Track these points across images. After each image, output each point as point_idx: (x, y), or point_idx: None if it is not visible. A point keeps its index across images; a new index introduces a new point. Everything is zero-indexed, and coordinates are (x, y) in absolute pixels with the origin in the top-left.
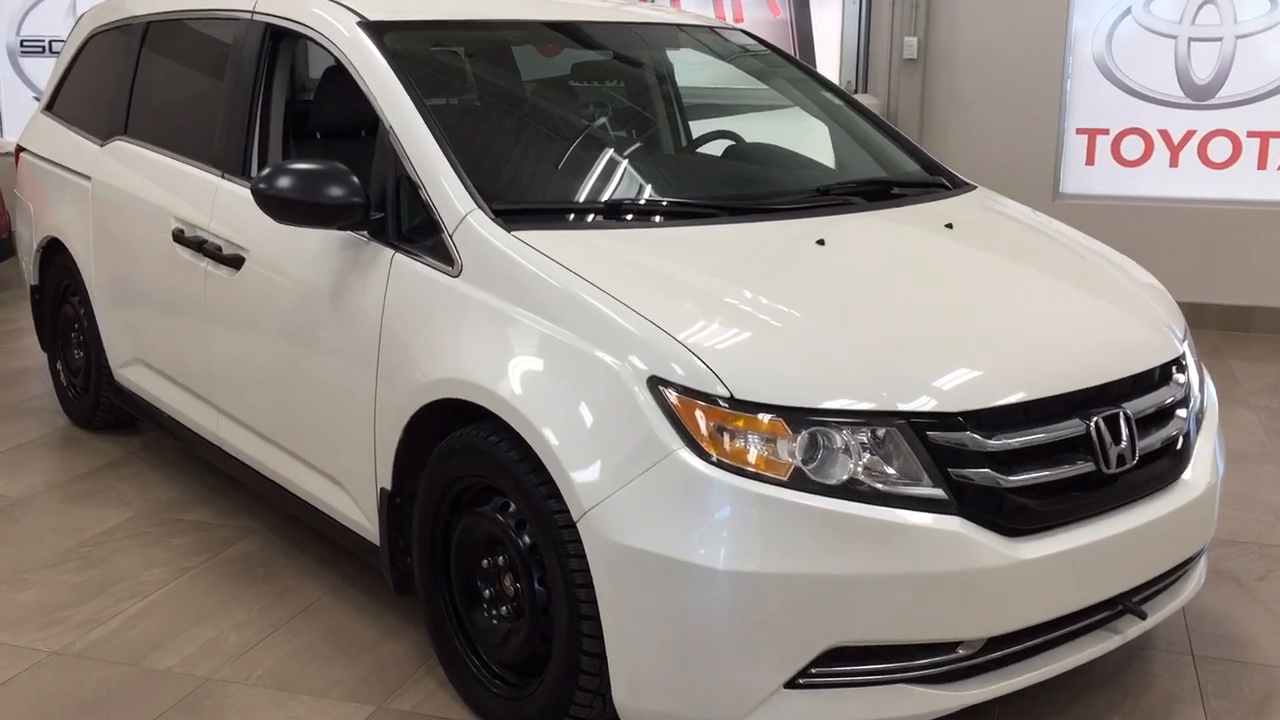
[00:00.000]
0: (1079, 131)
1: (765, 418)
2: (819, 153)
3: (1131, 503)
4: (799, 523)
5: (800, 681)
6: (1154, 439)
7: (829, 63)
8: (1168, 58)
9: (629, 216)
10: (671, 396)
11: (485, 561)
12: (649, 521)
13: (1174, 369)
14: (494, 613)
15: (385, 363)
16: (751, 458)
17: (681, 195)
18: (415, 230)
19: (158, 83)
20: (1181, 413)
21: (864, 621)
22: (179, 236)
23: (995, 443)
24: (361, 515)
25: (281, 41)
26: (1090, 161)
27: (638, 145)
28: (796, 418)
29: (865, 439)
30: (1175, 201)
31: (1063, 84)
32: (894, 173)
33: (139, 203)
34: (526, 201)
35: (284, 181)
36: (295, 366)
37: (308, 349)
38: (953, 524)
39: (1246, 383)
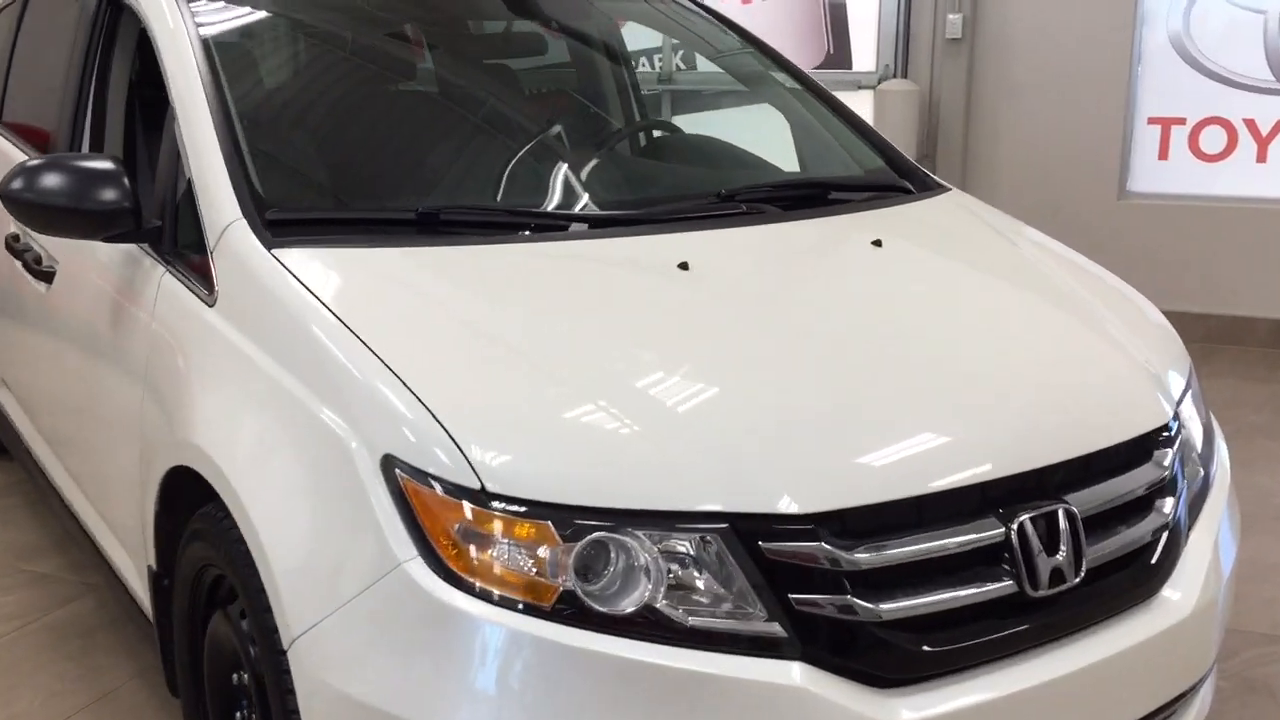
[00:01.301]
0: (1151, 121)
1: (529, 520)
2: (775, 149)
3: (1078, 633)
4: (567, 672)
5: None
6: (1115, 543)
7: (865, 44)
8: (1256, 36)
9: (450, 230)
10: (410, 485)
11: (234, 676)
12: (366, 661)
13: (1157, 443)
14: None
15: (146, 411)
16: (509, 576)
17: (536, 201)
18: (189, 245)
19: (20, 64)
20: (1166, 503)
21: None
22: (10, 243)
23: (863, 556)
24: (142, 592)
25: (123, 12)
26: (1164, 155)
27: (507, 139)
28: (571, 520)
29: (672, 552)
30: (1262, 202)
31: (1132, 67)
32: (847, 172)
33: None
34: (315, 209)
35: (39, 181)
36: (85, 403)
37: (91, 383)
38: (791, 674)
39: None
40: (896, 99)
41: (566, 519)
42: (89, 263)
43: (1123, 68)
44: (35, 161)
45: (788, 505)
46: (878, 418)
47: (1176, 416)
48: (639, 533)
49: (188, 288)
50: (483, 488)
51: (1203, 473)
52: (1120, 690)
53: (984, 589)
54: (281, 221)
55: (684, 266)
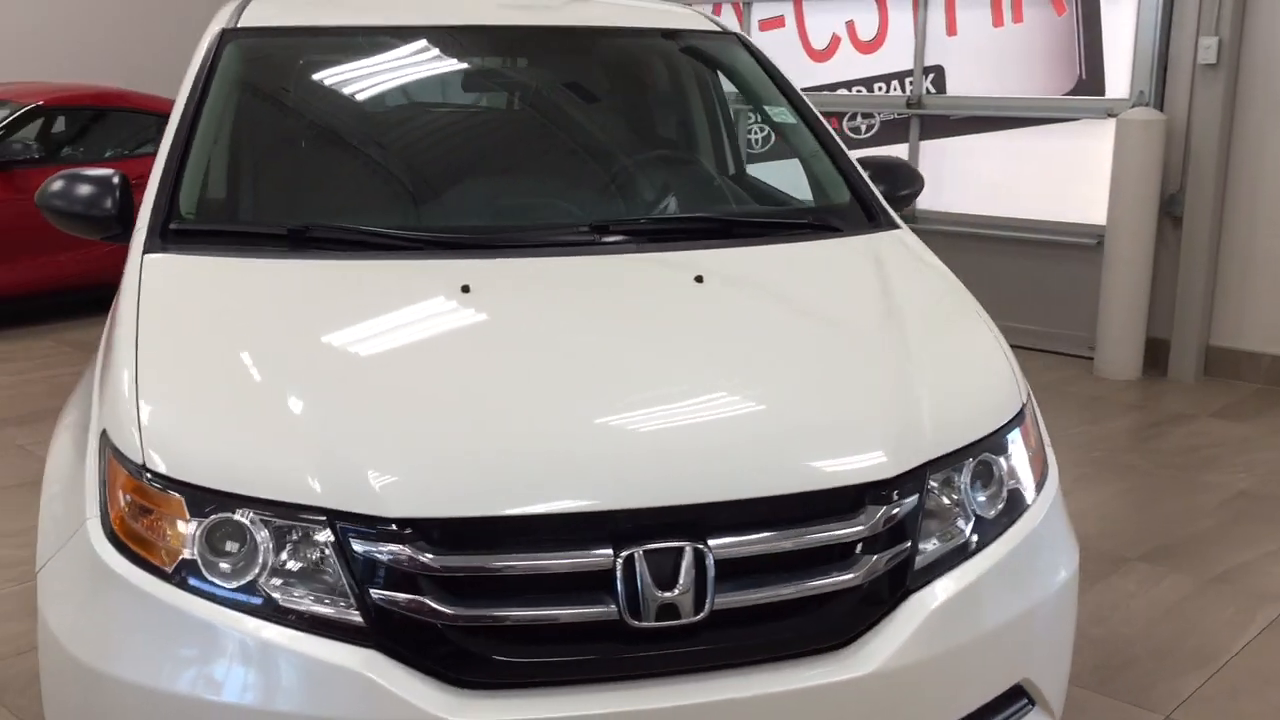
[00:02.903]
0: None
1: (173, 496)
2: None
3: (715, 668)
4: (167, 626)
5: None
6: (771, 591)
7: (1119, 69)
8: None
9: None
10: (111, 458)
11: None
12: (59, 596)
13: (863, 499)
14: None
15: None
16: (147, 541)
17: (410, 221)
18: None
19: None
20: (864, 560)
21: None
22: None
23: (448, 561)
24: None
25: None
26: None
27: (411, 161)
28: (199, 499)
29: (278, 539)
30: None
31: None
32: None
33: None
34: (209, 223)
35: (53, 191)
36: None
37: None
38: (356, 659)
39: None
40: (1138, 129)
41: (197, 498)
42: None
43: None
44: (58, 174)
45: (380, 509)
46: (518, 440)
47: (914, 477)
48: (255, 517)
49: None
50: (143, 464)
51: (970, 539)
52: None
53: (574, 611)
54: (182, 231)
55: (466, 289)
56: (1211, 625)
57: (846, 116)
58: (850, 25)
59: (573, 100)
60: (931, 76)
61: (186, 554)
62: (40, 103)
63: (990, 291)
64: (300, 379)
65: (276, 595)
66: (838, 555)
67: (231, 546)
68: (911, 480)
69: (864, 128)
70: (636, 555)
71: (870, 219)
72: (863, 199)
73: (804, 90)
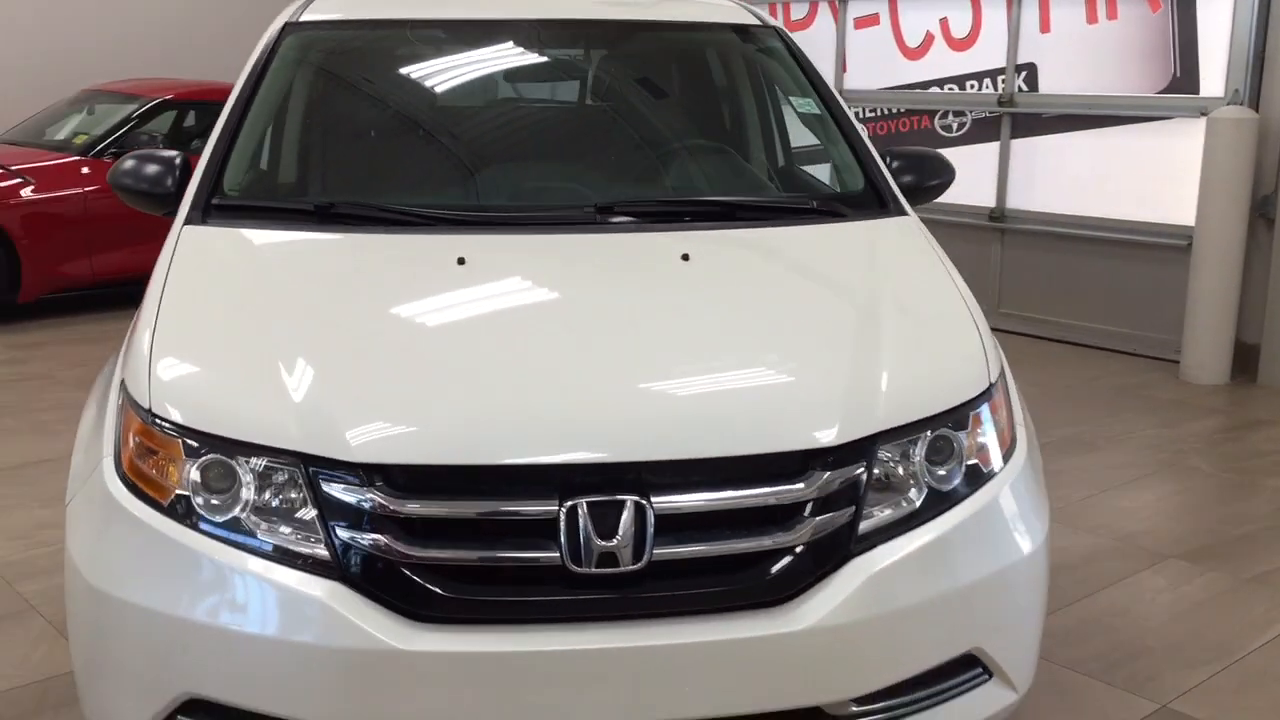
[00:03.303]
0: None
1: (173, 438)
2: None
3: (655, 616)
4: (160, 553)
5: None
6: (707, 546)
7: (1214, 67)
8: None
9: (340, 220)
10: (126, 403)
11: None
12: (78, 527)
13: (805, 466)
14: None
15: None
16: (151, 478)
17: (429, 200)
18: None
19: None
20: (814, 521)
21: (216, 678)
22: None
23: (400, 507)
24: None
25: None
26: None
27: (452, 144)
28: (197, 444)
29: (261, 479)
30: None
31: None
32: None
33: None
34: (250, 199)
35: (124, 170)
36: None
37: None
38: (321, 589)
39: None
40: (1230, 128)
41: (192, 441)
42: None
43: None
44: (129, 155)
45: (347, 455)
46: (477, 396)
47: (861, 447)
48: (241, 460)
49: None
50: (150, 409)
51: (920, 509)
52: (707, 677)
53: (521, 555)
54: (222, 206)
55: (461, 261)
56: (1236, 623)
57: (938, 114)
58: (944, 23)
59: (610, 91)
60: (1024, 74)
61: (181, 491)
62: (169, 96)
63: (1077, 292)
64: (293, 337)
65: (256, 530)
66: (780, 516)
67: (221, 485)
68: (858, 449)
69: (955, 126)
70: (580, 506)
71: (882, 206)
72: (876, 187)
73: (896, 88)
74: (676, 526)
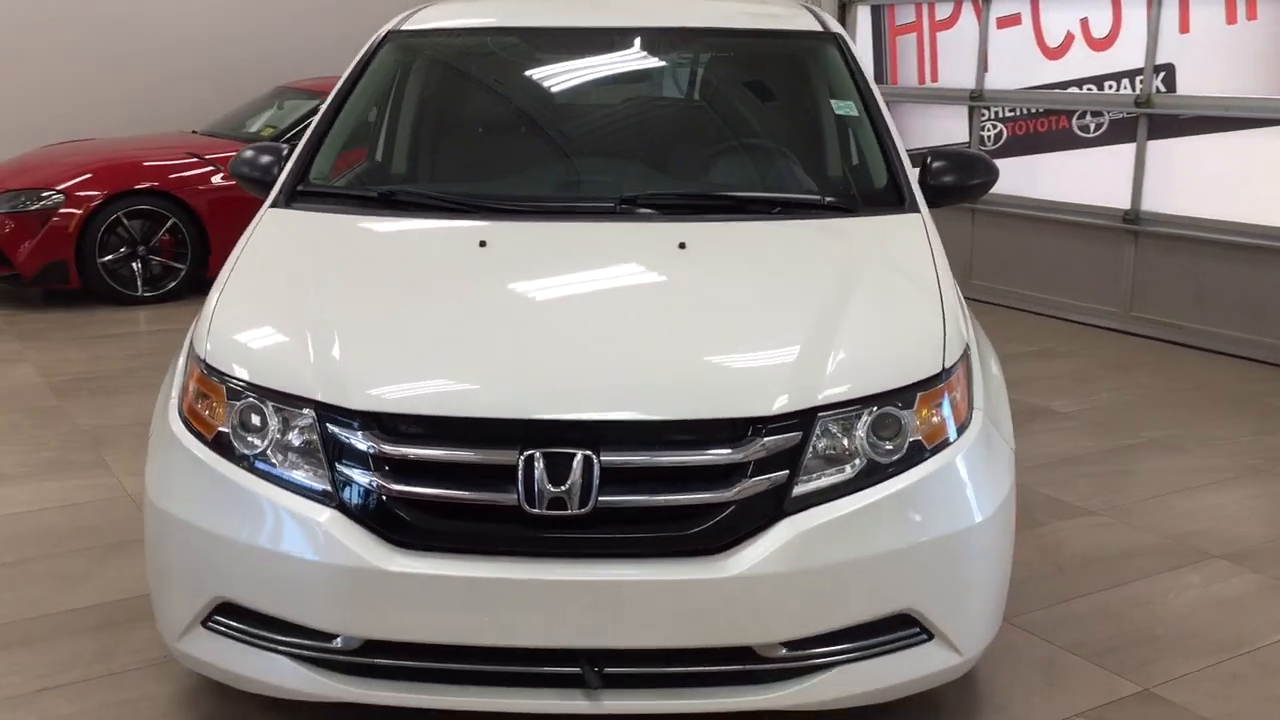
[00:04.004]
0: None
1: (219, 384)
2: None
3: (601, 556)
4: (203, 479)
5: (208, 623)
6: (648, 498)
7: None
8: None
9: (398, 205)
10: (192, 356)
11: None
12: (152, 456)
13: (753, 431)
14: None
15: None
16: (201, 417)
17: (482, 191)
18: None
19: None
20: (747, 482)
21: (240, 584)
22: None
23: (388, 449)
24: None
25: None
26: None
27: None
28: (237, 389)
29: (284, 421)
30: None
31: None
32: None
33: None
34: (326, 188)
35: (242, 159)
36: None
37: None
38: (323, 515)
39: None
40: None
41: (233, 387)
42: None
43: None
44: (249, 146)
45: (345, 402)
46: (461, 358)
47: (801, 418)
48: (269, 404)
49: None
50: (204, 358)
51: (857, 477)
52: (640, 612)
53: (485, 495)
54: (305, 192)
55: (483, 244)
56: (1255, 622)
57: (1076, 115)
58: (1084, 23)
59: (669, 93)
60: (1162, 75)
61: (223, 429)
62: None
63: (1210, 297)
64: (323, 304)
65: (277, 462)
66: (717, 475)
67: (254, 425)
68: (797, 420)
69: (1092, 126)
70: (536, 456)
71: (898, 204)
72: (898, 186)
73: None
74: (622, 479)
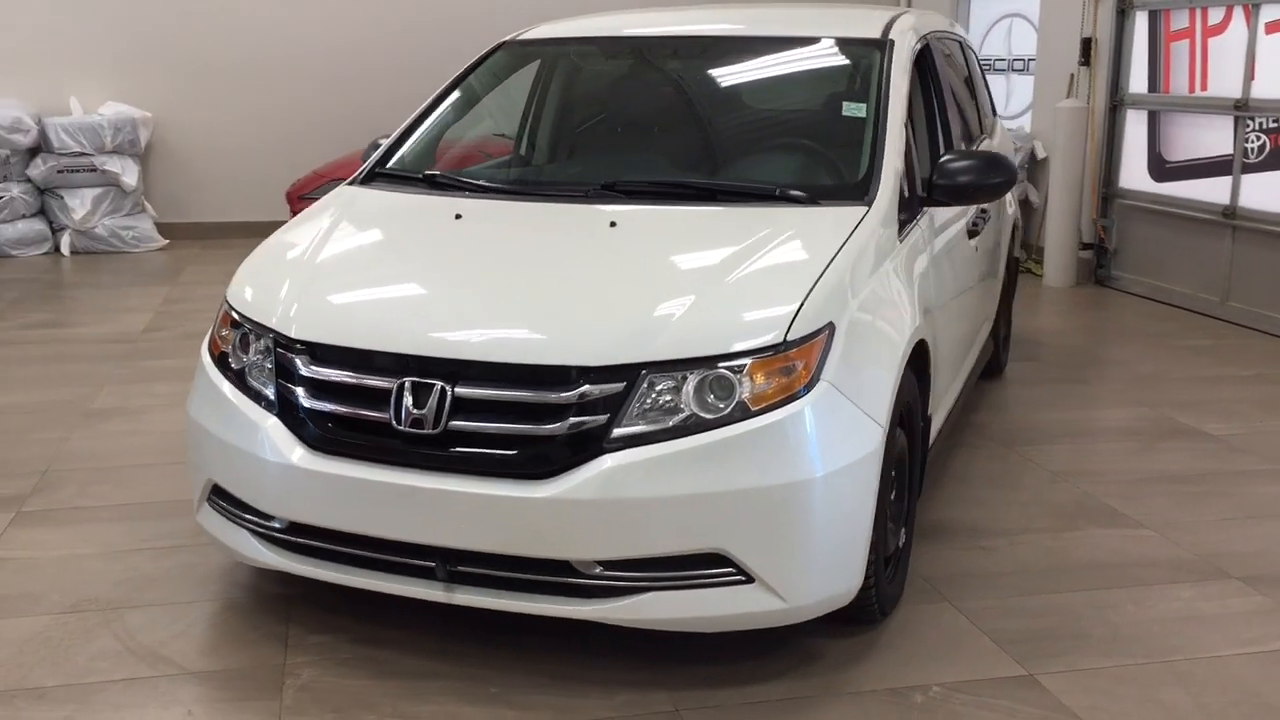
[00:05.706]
0: None
1: (233, 317)
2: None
3: (452, 471)
4: (207, 388)
5: (211, 501)
6: (490, 425)
7: None
8: None
9: (439, 185)
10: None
11: None
12: (195, 381)
13: (581, 379)
14: None
15: None
16: (221, 348)
17: (510, 177)
18: None
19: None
20: (570, 420)
21: (220, 471)
22: None
23: (307, 372)
24: None
25: None
26: None
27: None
28: (239, 323)
29: (256, 344)
30: None
31: None
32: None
33: None
34: (396, 170)
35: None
36: None
37: None
38: (267, 421)
39: None
40: None
41: (238, 321)
42: None
43: None
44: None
45: (285, 331)
46: (379, 302)
47: (624, 371)
48: (251, 335)
49: None
50: (226, 300)
51: (676, 427)
52: (478, 520)
53: (368, 413)
54: (378, 175)
55: (458, 216)
56: (1212, 637)
57: None
58: None
59: (718, 97)
60: None
61: (226, 350)
62: None
63: None
64: (315, 254)
65: (251, 378)
66: (550, 412)
67: (242, 349)
68: (621, 372)
69: None
70: (405, 384)
71: (861, 197)
72: (867, 182)
73: None
74: (470, 408)
